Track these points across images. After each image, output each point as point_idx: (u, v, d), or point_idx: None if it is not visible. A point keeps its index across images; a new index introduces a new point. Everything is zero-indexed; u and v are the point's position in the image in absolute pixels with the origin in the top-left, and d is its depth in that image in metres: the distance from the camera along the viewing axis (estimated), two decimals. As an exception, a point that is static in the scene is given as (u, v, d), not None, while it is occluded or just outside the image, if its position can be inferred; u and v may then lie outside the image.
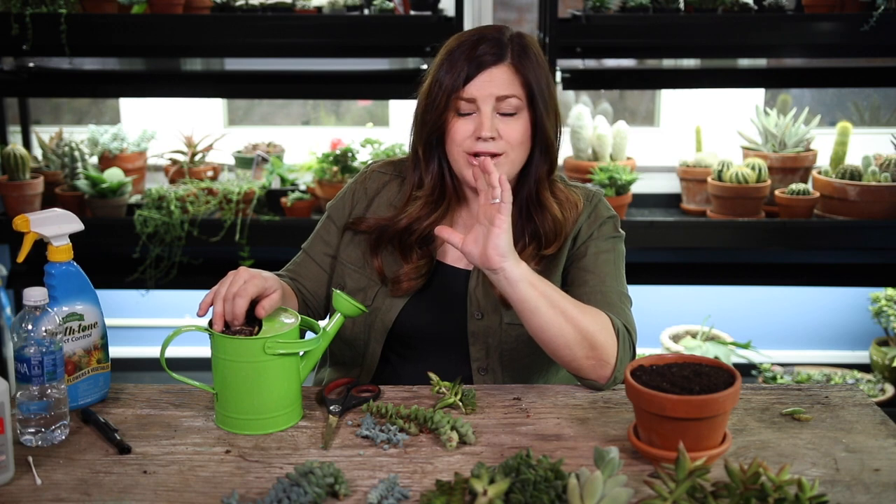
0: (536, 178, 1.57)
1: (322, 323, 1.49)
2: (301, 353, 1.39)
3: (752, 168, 2.99)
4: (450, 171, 1.58)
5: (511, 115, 1.51)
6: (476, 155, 1.50)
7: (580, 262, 1.59)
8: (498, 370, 1.59)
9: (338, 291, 1.45)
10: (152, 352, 3.75)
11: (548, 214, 1.58)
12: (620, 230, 1.65)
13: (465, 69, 1.50)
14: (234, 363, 1.35)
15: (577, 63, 3.07)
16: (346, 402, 1.43)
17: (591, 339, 1.43)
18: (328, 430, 1.35)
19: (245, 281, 1.38)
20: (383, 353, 1.64)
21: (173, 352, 3.65)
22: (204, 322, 1.41)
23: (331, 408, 1.41)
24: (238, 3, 3.03)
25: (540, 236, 1.58)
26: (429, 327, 1.60)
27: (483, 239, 1.39)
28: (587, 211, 1.63)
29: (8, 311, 3.32)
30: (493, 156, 1.50)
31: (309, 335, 1.48)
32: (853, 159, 3.10)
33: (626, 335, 1.49)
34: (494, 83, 1.50)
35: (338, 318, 1.44)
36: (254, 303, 1.39)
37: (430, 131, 1.54)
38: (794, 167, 3.09)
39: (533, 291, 1.40)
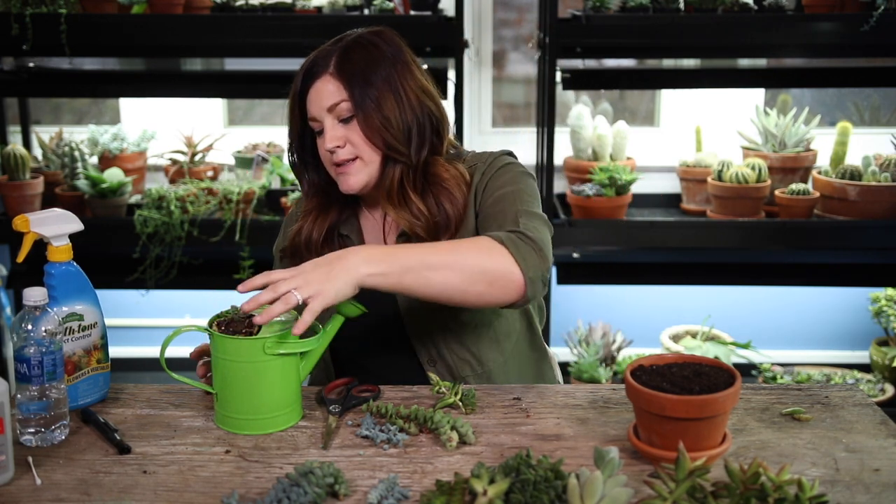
0: (403, 169, 1.54)
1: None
2: (300, 354, 1.39)
3: (752, 168, 2.99)
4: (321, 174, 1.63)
5: (349, 118, 1.53)
6: (337, 166, 1.55)
7: (482, 214, 1.56)
8: (447, 356, 1.58)
9: None
10: (152, 352, 3.75)
11: (421, 206, 1.54)
12: (514, 160, 1.62)
13: (297, 89, 1.56)
14: (234, 363, 1.34)
15: (577, 63, 3.07)
16: (345, 402, 1.43)
17: (482, 271, 1.36)
18: (328, 430, 1.35)
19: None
20: (353, 363, 1.64)
21: (173, 352, 3.62)
22: (203, 322, 1.41)
23: (331, 408, 1.41)
24: (238, 3, 3.03)
25: (431, 226, 1.55)
26: (365, 334, 1.60)
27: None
28: (480, 171, 1.60)
29: (8, 311, 3.32)
30: (349, 163, 1.54)
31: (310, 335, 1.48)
32: (853, 159, 3.10)
33: (516, 238, 1.41)
34: (322, 95, 1.53)
35: (336, 318, 1.42)
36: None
37: (292, 142, 1.62)
38: (794, 167, 3.09)
39: (410, 275, 1.34)
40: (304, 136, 1.61)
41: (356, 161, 1.54)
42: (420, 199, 1.55)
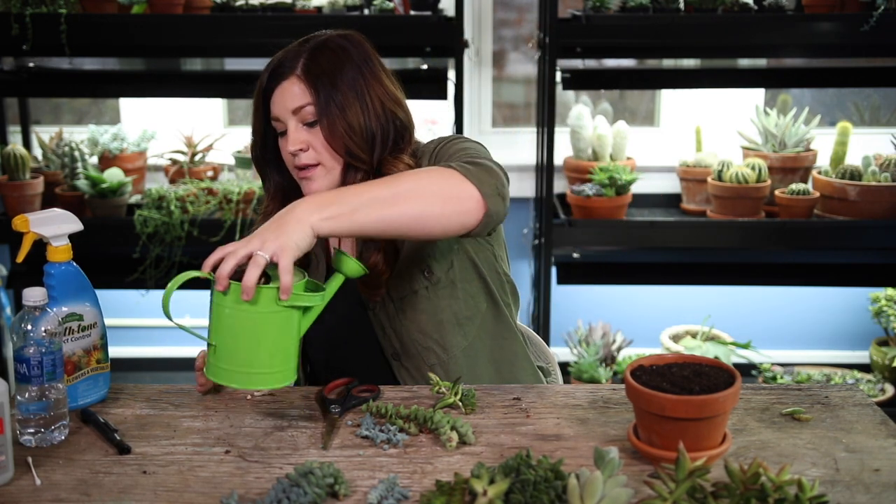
0: (363, 176, 1.52)
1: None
2: (303, 310, 1.33)
3: (752, 168, 2.99)
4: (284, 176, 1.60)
5: (313, 123, 1.51)
6: (299, 169, 1.53)
7: None
8: (411, 347, 1.56)
9: (339, 250, 1.38)
10: (152, 352, 3.75)
11: None
12: (463, 138, 1.59)
13: (261, 87, 1.54)
14: (239, 311, 1.28)
15: (577, 63, 3.07)
16: (345, 402, 1.43)
17: (434, 192, 1.34)
18: (328, 430, 1.35)
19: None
20: (327, 367, 1.64)
21: (173, 352, 3.62)
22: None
23: (331, 408, 1.41)
24: (238, 3, 3.03)
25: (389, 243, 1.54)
26: (339, 345, 1.60)
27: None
28: (427, 157, 1.57)
29: (8, 311, 3.32)
30: (311, 167, 1.52)
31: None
32: (853, 159, 3.10)
33: (459, 164, 1.40)
34: (286, 97, 1.51)
35: (337, 277, 1.37)
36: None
37: (255, 141, 1.59)
38: (794, 167, 3.09)
39: (362, 213, 1.31)
40: (266, 135, 1.58)
41: (318, 167, 1.52)
42: None
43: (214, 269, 1.27)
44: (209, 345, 1.33)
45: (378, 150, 1.53)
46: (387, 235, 1.37)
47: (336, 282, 1.37)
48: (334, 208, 1.30)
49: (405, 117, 1.57)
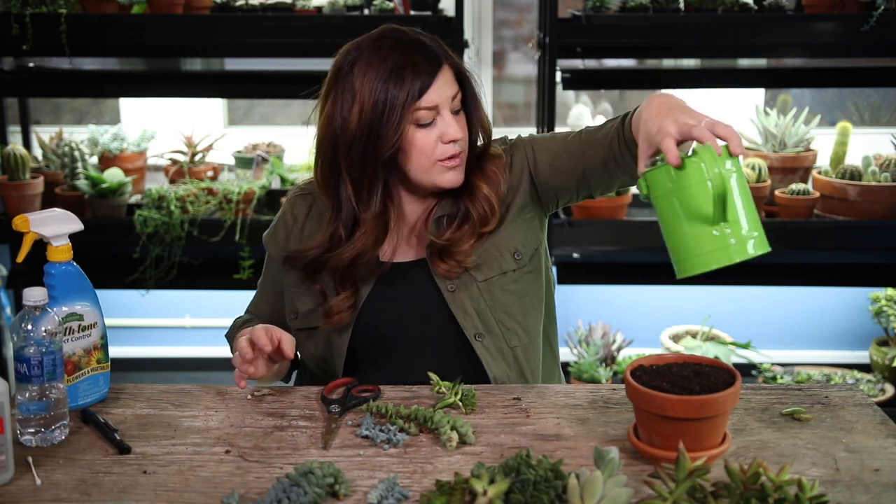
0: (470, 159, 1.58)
1: None
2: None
3: (752, 168, 2.99)
4: (389, 196, 1.55)
5: (458, 111, 1.54)
6: (449, 159, 1.51)
7: (547, 165, 1.60)
8: (495, 328, 1.57)
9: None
10: (152, 352, 3.75)
11: (479, 195, 1.57)
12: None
13: (419, 79, 1.47)
14: (719, 178, 1.20)
15: (577, 63, 3.07)
16: (345, 401, 1.43)
17: None
18: (328, 429, 1.35)
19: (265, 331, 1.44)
20: (377, 360, 1.62)
21: (174, 352, 3.64)
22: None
23: (331, 408, 1.41)
24: (238, 3, 3.03)
25: (474, 219, 1.56)
26: (412, 323, 1.58)
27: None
28: (512, 154, 1.63)
29: (8, 311, 3.32)
30: (459, 156, 1.52)
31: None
32: (853, 159, 3.10)
33: None
34: (446, 84, 1.51)
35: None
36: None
37: (384, 152, 1.49)
38: (794, 167, 3.09)
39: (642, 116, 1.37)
40: (402, 138, 1.50)
41: (462, 154, 1.53)
42: (477, 188, 1.57)
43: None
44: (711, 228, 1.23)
45: (483, 129, 1.60)
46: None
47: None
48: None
49: None
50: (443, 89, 1.49)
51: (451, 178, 1.53)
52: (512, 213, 1.60)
